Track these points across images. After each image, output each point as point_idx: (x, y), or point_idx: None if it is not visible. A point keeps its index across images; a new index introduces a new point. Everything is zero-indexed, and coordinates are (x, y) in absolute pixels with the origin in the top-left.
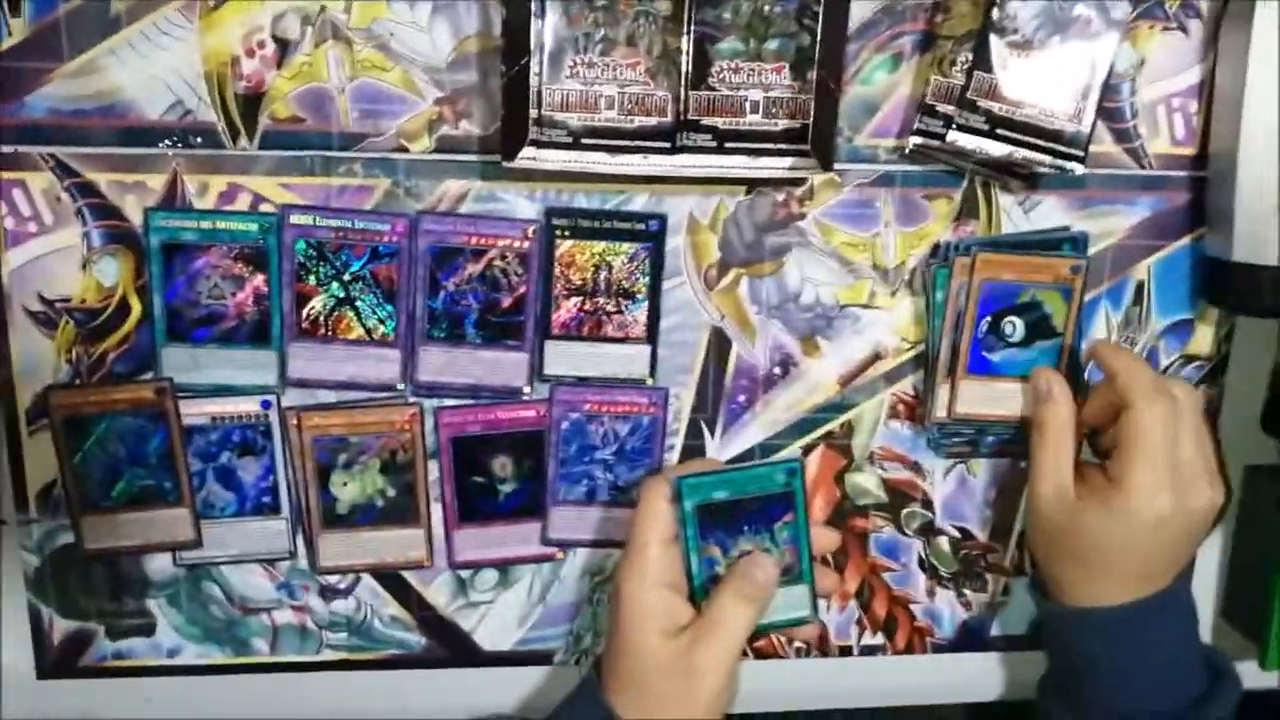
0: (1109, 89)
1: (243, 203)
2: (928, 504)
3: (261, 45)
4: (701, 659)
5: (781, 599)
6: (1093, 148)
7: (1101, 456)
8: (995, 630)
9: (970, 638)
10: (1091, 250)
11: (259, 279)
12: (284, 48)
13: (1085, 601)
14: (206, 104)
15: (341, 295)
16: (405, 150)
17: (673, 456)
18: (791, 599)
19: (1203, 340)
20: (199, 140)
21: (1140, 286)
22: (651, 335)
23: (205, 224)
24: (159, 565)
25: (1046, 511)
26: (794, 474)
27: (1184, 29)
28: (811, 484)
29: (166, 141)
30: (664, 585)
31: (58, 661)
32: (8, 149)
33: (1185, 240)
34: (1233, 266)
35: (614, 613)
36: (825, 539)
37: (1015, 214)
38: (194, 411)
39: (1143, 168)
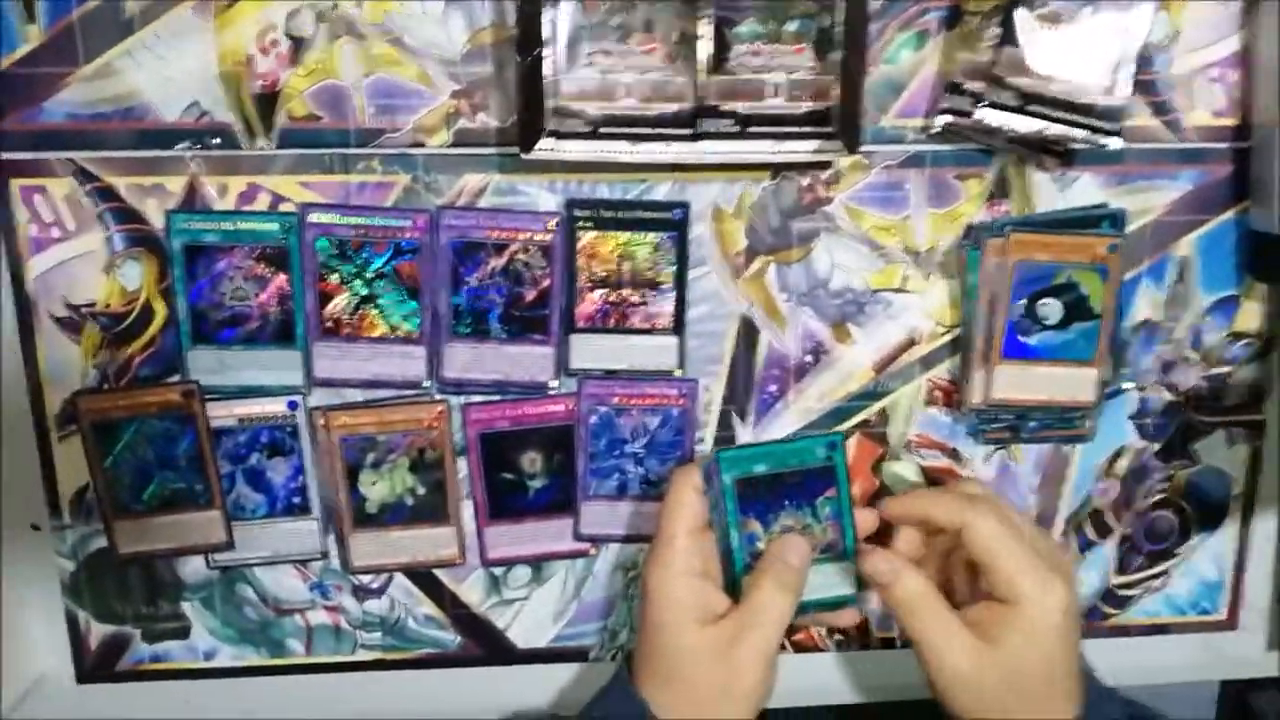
0: (1144, 60)
1: (262, 203)
2: None
3: (275, 43)
4: (741, 651)
5: (823, 577)
6: (1129, 121)
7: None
8: None
9: None
10: (1131, 227)
11: (281, 279)
12: (298, 45)
13: None
14: (223, 104)
15: (365, 293)
16: (423, 145)
17: (704, 449)
18: (833, 576)
19: (1250, 317)
20: (217, 141)
21: (1183, 263)
22: (679, 326)
23: (226, 225)
24: (193, 568)
25: (965, 677)
26: (834, 448)
27: None
28: (848, 474)
29: (184, 143)
30: (693, 575)
31: (96, 666)
32: (28, 155)
33: (1229, 214)
34: (1278, 240)
35: (643, 605)
36: (865, 520)
37: (1050, 192)
38: (221, 413)
39: (1182, 140)
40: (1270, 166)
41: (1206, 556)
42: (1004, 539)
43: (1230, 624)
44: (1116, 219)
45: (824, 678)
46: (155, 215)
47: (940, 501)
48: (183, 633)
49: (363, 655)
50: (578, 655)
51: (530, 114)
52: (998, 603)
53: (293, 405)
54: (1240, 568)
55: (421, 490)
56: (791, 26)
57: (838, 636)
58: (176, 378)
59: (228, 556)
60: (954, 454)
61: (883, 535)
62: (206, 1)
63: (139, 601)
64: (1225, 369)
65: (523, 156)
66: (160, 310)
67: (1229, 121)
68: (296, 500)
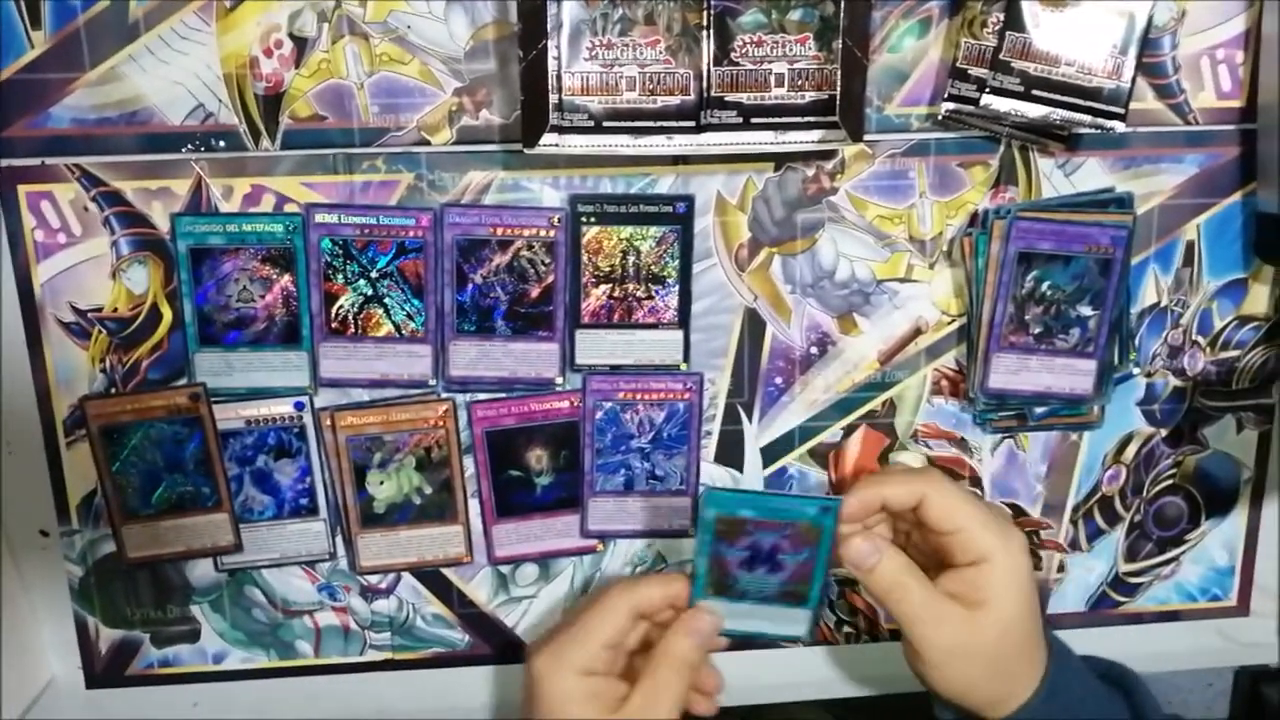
0: (1148, 43)
1: (267, 204)
2: (976, 481)
3: (279, 44)
4: None
5: (782, 615)
6: (1135, 105)
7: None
8: (1051, 608)
9: None
10: (1137, 210)
11: (286, 280)
12: (301, 46)
13: (1015, 704)
14: (227, 106)
15: (369, 293)
16: (427, 143)
17: (710, 442)
18: (791, 618)
19: (1257, 300)
20: (221, 143)
21: (1190, 246)
22: (684, 319)
23: (231, 227)
24: (201, 571)
25: (962, 647)
26: (828, 512)
27: None
28: (855, 466)
29: (189, 146)
30: (586, 673)
31: (106, 670)
32: (34, 162)
33: (1236, 197)
34: None
35: (536, 700)
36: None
37: (1056, 177)
38: (229, 415)
39: (1188, 123)
40: (1276, 146)
41: (1216, 542)
42: (961, 502)
43: (1242, 609)
44: (1124, 202)
45: (834, 671)
46: (161, 219)
47: (892, 482)
48: (192, 636)
49: (372, 655)
50: None
51: (533, 109)
52: (967, 567)
53: (299, 406)
54: (1251, 553)
55: (428, 489)
56: (794, 15)
57: (847, 629)
58: (184, 381)
59: (236, 559)
60: (961, 443)
61: None
62: (210, 4)
63: (148, 605)
64: (1233, 353)
65: (526, 152)
66: (167, 313)
67: (1235, 103)
68: (304, 501)
